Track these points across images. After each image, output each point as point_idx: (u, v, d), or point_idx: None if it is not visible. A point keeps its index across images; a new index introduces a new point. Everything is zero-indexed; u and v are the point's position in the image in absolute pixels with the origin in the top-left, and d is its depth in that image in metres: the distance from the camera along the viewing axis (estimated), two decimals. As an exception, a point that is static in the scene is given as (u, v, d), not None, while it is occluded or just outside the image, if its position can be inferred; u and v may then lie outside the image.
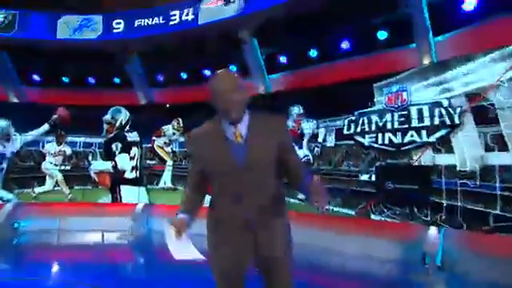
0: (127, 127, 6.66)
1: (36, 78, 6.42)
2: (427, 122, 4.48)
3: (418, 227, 4.64)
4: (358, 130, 5.13)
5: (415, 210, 4.56)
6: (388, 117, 4.87)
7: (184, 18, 5.26)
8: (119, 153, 6.59)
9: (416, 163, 4.59)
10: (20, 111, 6.32)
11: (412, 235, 4.81)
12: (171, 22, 5.36)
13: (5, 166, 6.27)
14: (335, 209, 5.45)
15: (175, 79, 6.45)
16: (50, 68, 6.27)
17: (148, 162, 6.59)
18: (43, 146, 6.34)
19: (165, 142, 6.67)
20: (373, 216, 5.01)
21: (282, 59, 5.67)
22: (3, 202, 6.35)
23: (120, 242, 6.31)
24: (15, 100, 6.45)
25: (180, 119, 6.50)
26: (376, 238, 5.13)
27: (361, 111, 5.09)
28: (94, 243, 6.36)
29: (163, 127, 6.60)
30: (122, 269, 4.53)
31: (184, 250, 1.22)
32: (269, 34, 5.49)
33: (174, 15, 5.34)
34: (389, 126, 4.86)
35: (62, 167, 6.36)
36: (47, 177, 6.37)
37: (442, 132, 4.35)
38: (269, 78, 5.99)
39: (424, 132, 4.52)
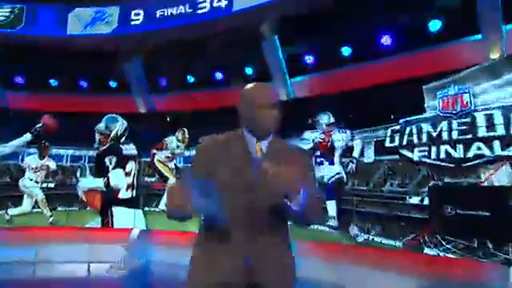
0: (123, 138, 5.59)
1: (20, 80, 5.57)
2: (501, 131, 3.57)
3: (493, 267, 3.59)
4: (404, 141, 4.23)
5: (488, 244, 3.53)
6: (444, 125, 3.97)
7: (216, 4, 4.43)
8: (113, 168, 5.46)
9: (486, 183, 3.62)
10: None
11: (483, 277, 3.75)
12: (199, 11, 4.53)
13: (-24, 182, 5.16)
14: (375, 238, 4.41)
15: (180, 83, 5.57)
16: (37, 69, 5.40)
17: (146, 179, 5.58)
18: (22, 160, 5.37)
19: (167, 156, 5.70)
20: (426, 250, 3.99)
21: (308, 59, 4.84)
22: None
23: (109, 276, 5.17)
24: (-5, 106, 5.57)
25: (185, 130, 5.59)
26: (431, 278, 4.06)
27: (407, 119, 4.22)
28: (78, 278, 5.22)
29: (166, 139, 5.66)
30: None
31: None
32: (292, 29, 4.65)
33: (204, 1, 4.52)
34: (445, 136, 3.96)
35: (44, 184, 5.35)
36: (25, 196, 5.32)
37: (524, 143, 3.42)
38: (291, 81, 5.14)
39: (496, 143, 3.59)
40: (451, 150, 3.89)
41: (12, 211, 5.24)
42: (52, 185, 5.44)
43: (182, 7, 4.63)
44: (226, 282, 1.08)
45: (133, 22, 4.96)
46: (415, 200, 4.14)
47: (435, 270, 4.04)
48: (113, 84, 5.69)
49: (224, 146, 1.17)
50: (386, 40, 4.23)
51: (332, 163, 4.64)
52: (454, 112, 3.90)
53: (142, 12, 4.90)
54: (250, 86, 1.20)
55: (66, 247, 5.50)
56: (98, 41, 5.21)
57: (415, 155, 4.16)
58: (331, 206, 4.51)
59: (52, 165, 5.40)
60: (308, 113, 4.89)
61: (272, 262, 1.12)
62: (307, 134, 4.84)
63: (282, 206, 1.09)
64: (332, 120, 4.72)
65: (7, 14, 4.97)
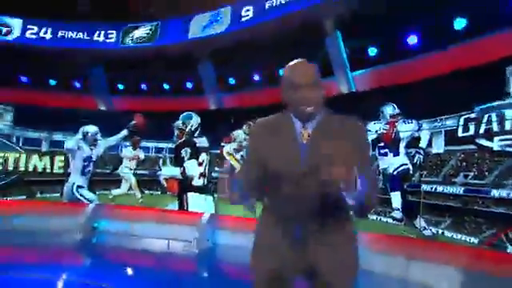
0: (197, 133, 6.38)
1: (120, 86, 6.80)
2: None
3: None
4: (481, 130, 3.90)
5: None
6: (532, 111, 3.56)
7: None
8: (188, 159, 6.30)
9: None
10: (105, 118, 6.67)
11: None
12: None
13: (91, 168, 6.57)
14: (445, 233, 4.15)
15: (247, 81, 6.09)
16: (133, 76, 6.54)
17: (217, 169, 6.24)
18: (121, 151, 6.55)
19: (234, 149, 6.26)
20: (510, 248, 3.59)
21: (371, 51, 4.83)
22: (87, 202, 6.63)
23: (185, 252, 5.92)
24: (103, 108, 6.90)
25: (252, 123, 6.08)
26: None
27: (485, 106, 3.88)
28: (161, 251, 6.10)
29: (234, 132, 6.25)
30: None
31: None
32: (355, 22, 4.73)
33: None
34: (534, 123, 3.54)
35: (137, 171, 6.42)
36: (123, 180, 6.52)
37: None
38: (352, 75, 5.18)
39: None
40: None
41: (114, 192, 6.47)
42: (143, 172, 6.49)
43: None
44: (285, 267, 1.10)
45: (243, 18, 5.53)
46: (497, 194, 3.78)
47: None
48: (189, 85, 6.52)
49: (273, 130, 1.15)
50: (459, 25, 4.00)
51: (397, 154, 4.52)
52: (546, 95, 3.49)
53: (251, 8, 5.40)
54: (289, 64, 1.12)
55: (151, 225, 6.47)
56: (213, 40, 5.96)
57: (495, 144, 3.82)
58: (396, 198, 4.40)
59: (141, 155, 6.50)
60: (371, 105, 4.84)
61: (327, 248, 1.10)
62: (371, 125, 4.80)
63: (336, 193, 1.05)
64: (397, 111, 4.61)
65: (148, 31, 6.21)
